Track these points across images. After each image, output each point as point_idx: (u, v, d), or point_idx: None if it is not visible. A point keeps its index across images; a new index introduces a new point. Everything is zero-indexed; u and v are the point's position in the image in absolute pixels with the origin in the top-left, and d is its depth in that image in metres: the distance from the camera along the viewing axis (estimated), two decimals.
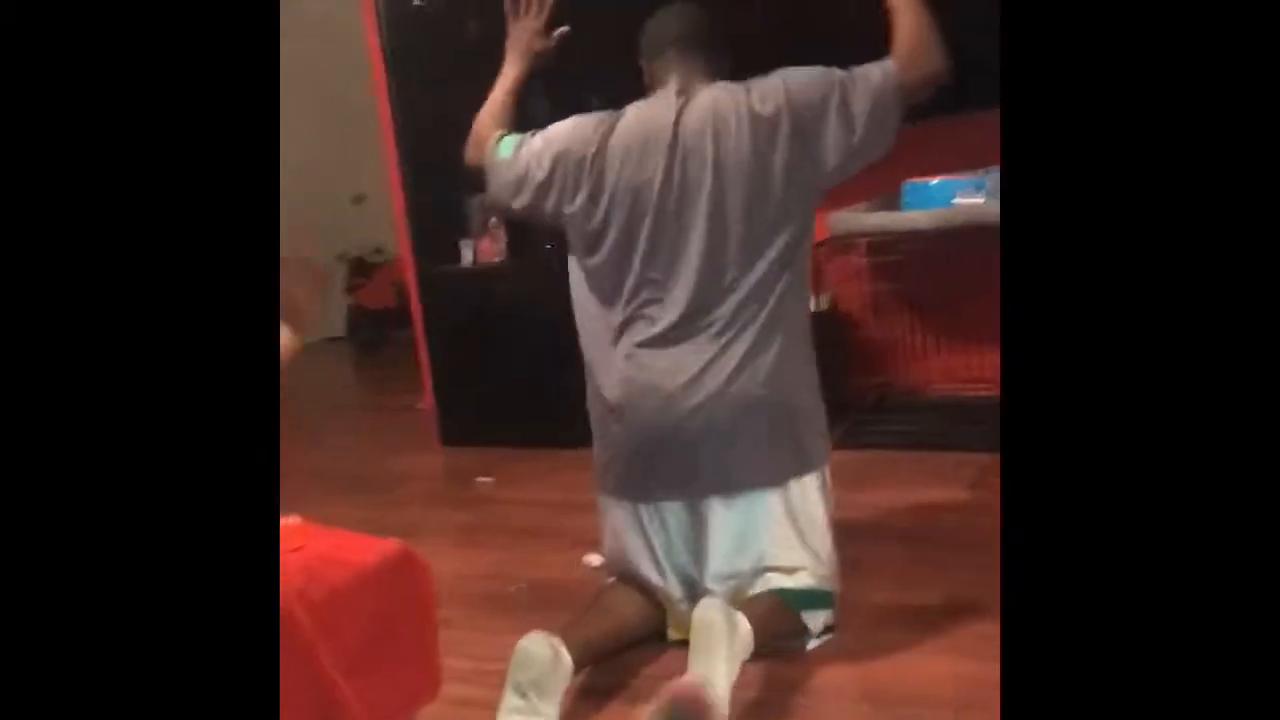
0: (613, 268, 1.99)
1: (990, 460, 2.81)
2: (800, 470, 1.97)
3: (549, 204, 2.07)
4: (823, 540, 1.98)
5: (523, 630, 1.74)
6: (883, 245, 3.33)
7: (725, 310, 1.91)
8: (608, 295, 2.01)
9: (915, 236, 3.12)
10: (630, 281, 1.97)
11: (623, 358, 1.97)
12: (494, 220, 3.70)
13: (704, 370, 1.91)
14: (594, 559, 2.41)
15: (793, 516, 1.95)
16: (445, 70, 3.48)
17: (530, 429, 3.60)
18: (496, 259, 3.73)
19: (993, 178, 2.97)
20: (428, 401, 4.19)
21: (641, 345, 1.96)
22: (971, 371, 3.38)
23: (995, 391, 3.21)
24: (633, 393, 1.95)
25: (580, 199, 2.02)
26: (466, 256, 3.79)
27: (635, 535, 2.01)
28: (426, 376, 4.17)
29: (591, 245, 2.02)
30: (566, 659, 1.73)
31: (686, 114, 1.96)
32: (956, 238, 3.00)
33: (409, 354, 4.57)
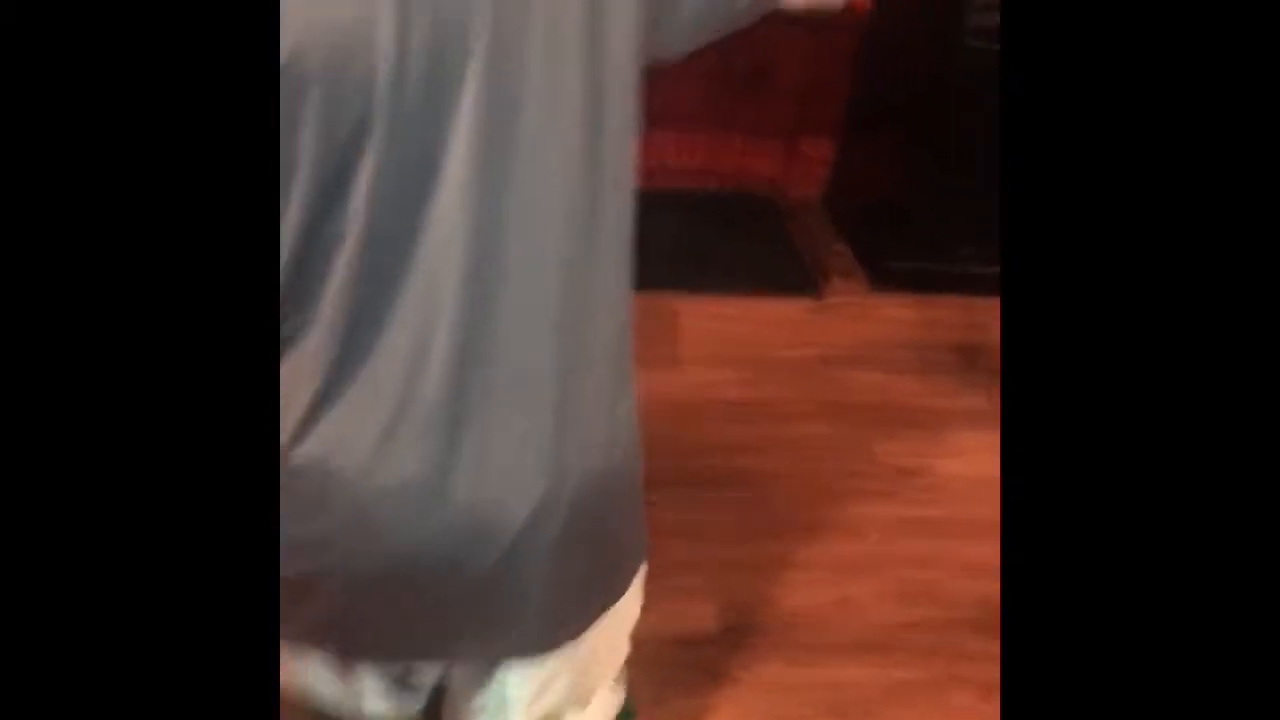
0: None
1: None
2: (639, 560, 1.13)
3: None
4: (631, 623, 1.18)
5: None
6: None
7: (543, 306, 0.89)
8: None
9: None
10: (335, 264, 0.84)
11: (334, 447, 0.89)
12: None
13: (518, 444, 0.91)
14: None
15: (618, 619, 1.12)
16: None
17: None
18: None
19: None
20: None
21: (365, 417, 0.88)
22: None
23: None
24: (365, 503, 0.91)
25: None
26: None
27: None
28: None
29: None
30: None
31: None
32: None
33: None
